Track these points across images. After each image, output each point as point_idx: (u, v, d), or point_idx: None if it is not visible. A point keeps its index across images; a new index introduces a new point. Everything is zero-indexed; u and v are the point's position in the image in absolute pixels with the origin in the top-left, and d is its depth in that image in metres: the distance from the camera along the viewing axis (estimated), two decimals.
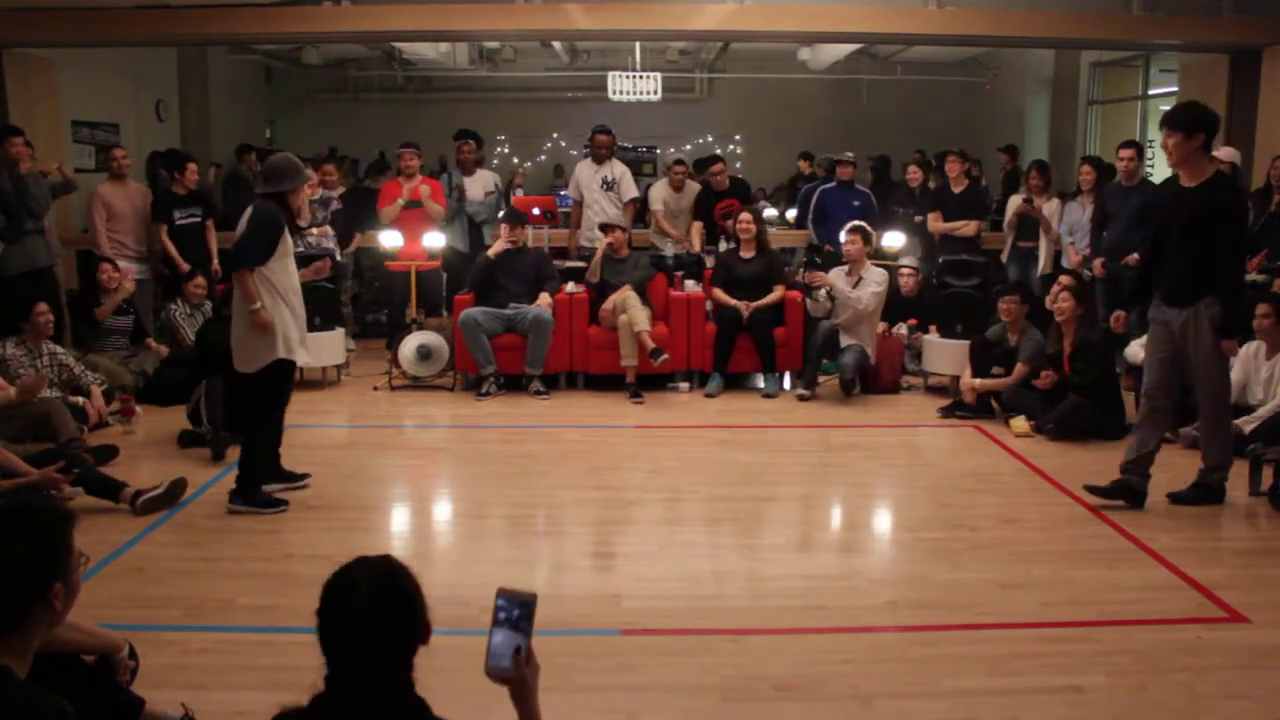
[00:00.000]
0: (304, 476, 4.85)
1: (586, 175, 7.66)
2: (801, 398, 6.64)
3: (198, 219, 7.50)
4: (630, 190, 7.68)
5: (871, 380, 6.87)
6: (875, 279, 6.69)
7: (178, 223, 7.41)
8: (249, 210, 4.54)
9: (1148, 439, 4.63)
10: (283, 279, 4.51)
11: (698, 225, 7.93)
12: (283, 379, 4.61)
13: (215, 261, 7.50)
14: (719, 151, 8.14)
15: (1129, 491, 4.61)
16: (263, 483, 4.59)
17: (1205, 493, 4.68)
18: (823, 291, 6.67)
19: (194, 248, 7.39)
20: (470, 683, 1.96)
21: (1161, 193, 4.82)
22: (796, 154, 11.98)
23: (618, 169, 7.68)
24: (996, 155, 12.04)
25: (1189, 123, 4.30)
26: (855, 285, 6.67)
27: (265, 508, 4.51)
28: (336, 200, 7.84)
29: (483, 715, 2.04)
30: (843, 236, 7.42)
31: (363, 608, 1.66)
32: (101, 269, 6.71)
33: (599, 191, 7.58)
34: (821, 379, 6.84)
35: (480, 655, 1.90)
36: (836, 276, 6.73)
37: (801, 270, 6.89)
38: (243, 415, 4.73)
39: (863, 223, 6.97)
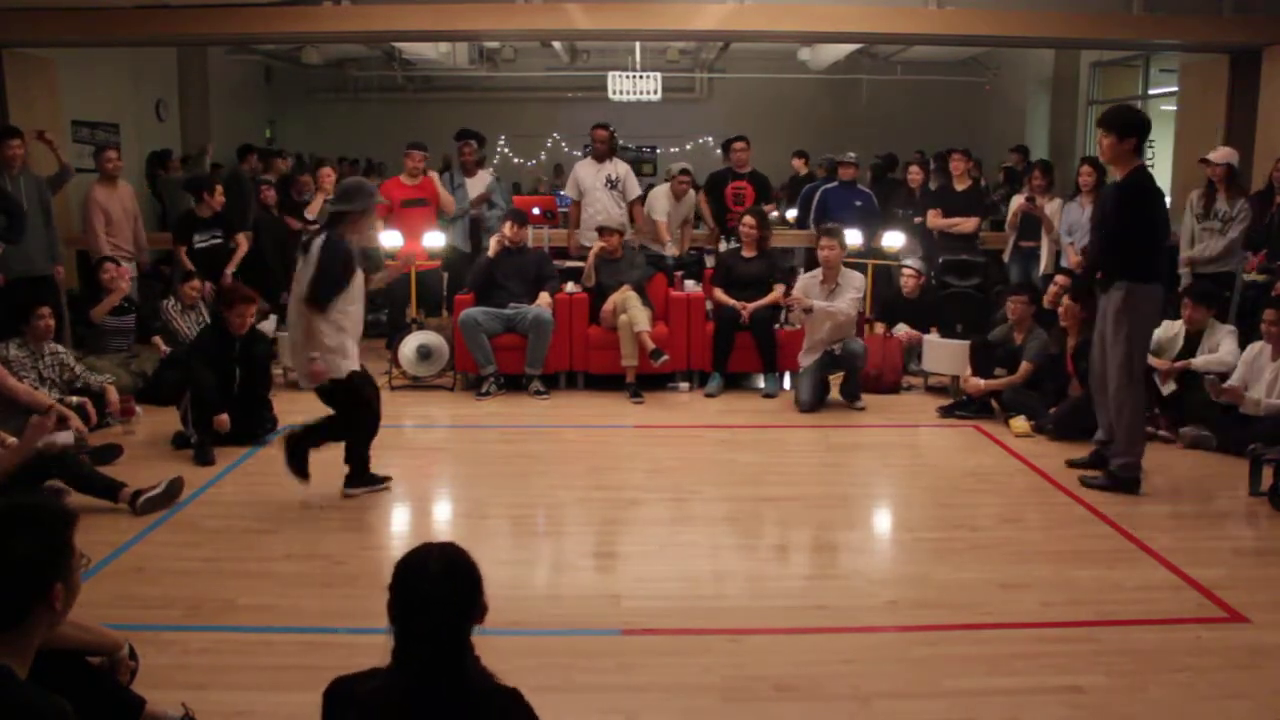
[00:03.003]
0: (385, 479, 4.89)
1: (588, 174, 7.65)
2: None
3: (219, 240, 7.51)
4: (634, 190, 7.70)
5: (872, 380, 6.85)
6: (854, 285, 6.52)
7: (197, 245, 7.41)
8: (320, 240, 4.52)
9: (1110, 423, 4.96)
10: (341, 310, 4.56)
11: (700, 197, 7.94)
12: (350, 390, 4.65)
13: (229, 270, 7.44)
14: (720, 150, 8.13)
15: (1103, 460, 4.97)
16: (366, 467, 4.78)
17: (1115, 482, 4.81)
18: (798, 311, 6.53)
19: (213, 270, 7.34)
20: None
21: (1101, 194, 5.23)
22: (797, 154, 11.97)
23: (621, 167, 7.68)
24: (997, 155, 12.04)
25: (1122, 126, 4.60)
26: (831, 293, 6.49)
27: (374, 485, 4.78)
28: None
29: None
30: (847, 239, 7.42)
31: (435, 579, 1.88)
32: (105, 269, 6.72)
33: (602, 190, 7.58)
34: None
35: (484, 655, 1.91)
36: (809, 287, 6.53)
37: (780, 292, 6.71)
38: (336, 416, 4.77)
39: (838, 226, 6.85)
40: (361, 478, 4.79)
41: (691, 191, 8.02)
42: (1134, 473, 4.80)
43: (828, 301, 6.45)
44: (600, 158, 7.63)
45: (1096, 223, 4.89)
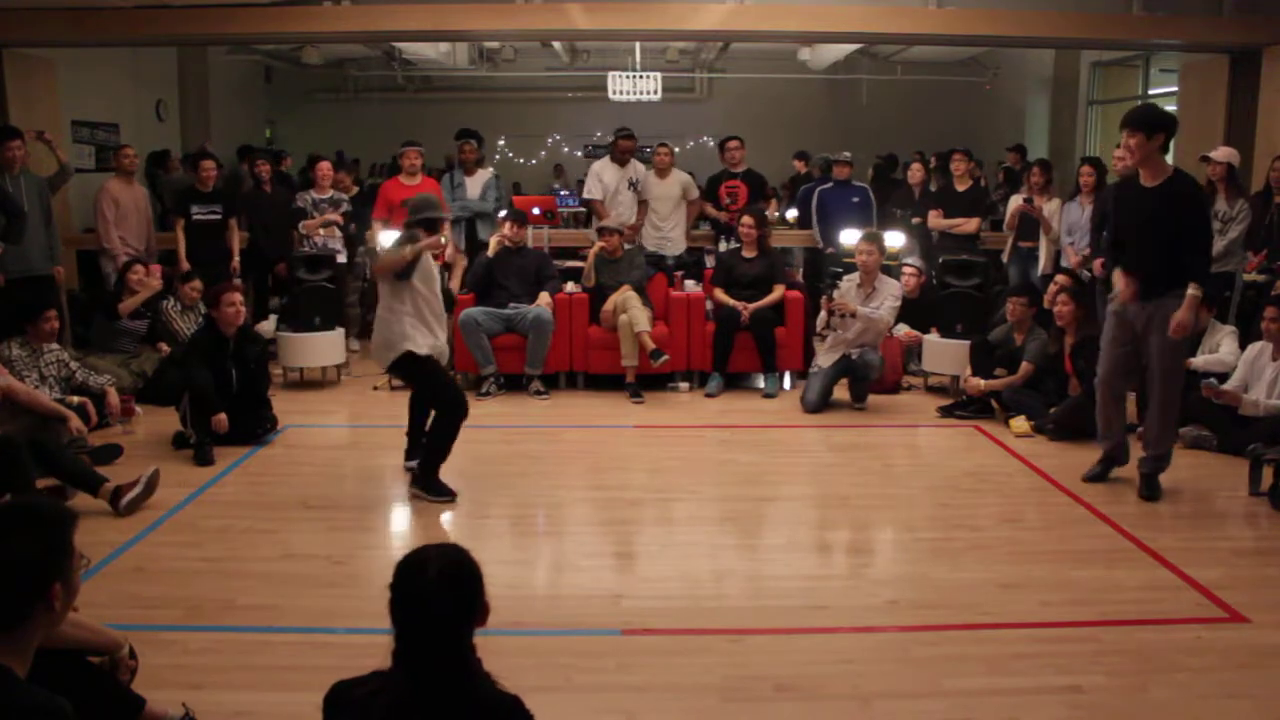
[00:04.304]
0: (451, 494, 4.80)
1: (612, 177, 7.62)
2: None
3: (218, 216, 7.57)
4: (648, 190, 7.72)
5: (872, 381, 6.83)
6: (891, 292, 6.53)
7: (194, 218, 7.51)
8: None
9: (1114, 422, 4.98)
10: (422, 295, 4.75)
11: (693, 206, 7.91)
12: (425, 370, 4.77)
13: (235, 259, 7.61)
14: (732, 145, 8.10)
15: (1113, 461, 5.02)
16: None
17: (1153, 487, 4.79)
18: (838, 316, 6.43)
19: (209, 244, 7.49)
20: None
21: (1120, 192, 4.86)
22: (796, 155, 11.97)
23: (639, 169, 7.73)
24: (997, 155, 12.04)
25: (1150, 123, 4.44)
26: (868, 298, 6.50)
27: (438, 495, 4.69)
28: (347, 203, 7.91)
29: None
30: (843, 239, 7.41)
31: (433, 580, 1.87)
32: (134, 270, 6.82)
33: (626, 192, 7.62)
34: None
35: (484, 655, 1.91)
36: (849, 291, 6.52)
37: (824, 297, 6.56)
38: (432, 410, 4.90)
39: (876, 230, 6.81)
40: (428, 482, 4.73)
41: (680, 172, 7.94)
42: (1167, 463, 4.84)
43: (862, 306, 6.43)
44: (622, 162, 7.65)
45: (1142, 228, 4.60)
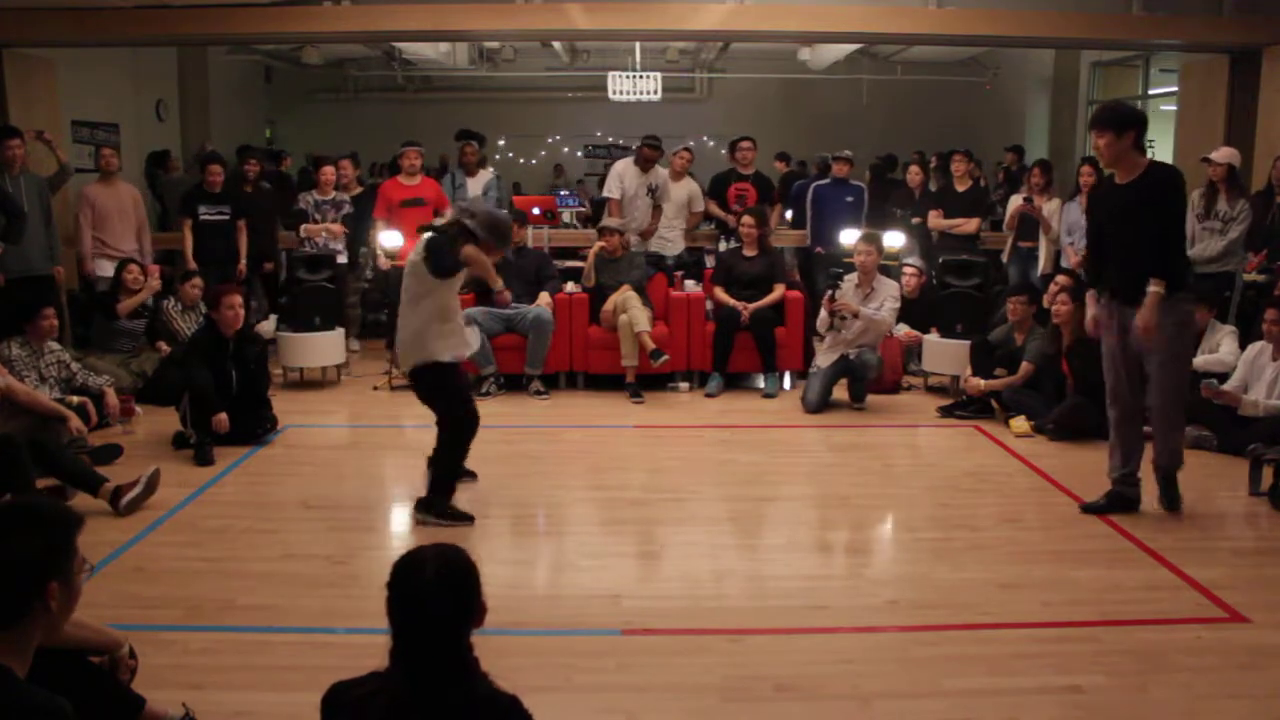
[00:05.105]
0: (471, 475, 4.80)
1: (633, 180, 7.63)
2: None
3: (225, 217, 7.58)
4: (665, 197, 7.74)
5: (872, 381, 6.83)
6: (890, 293, 6.52)
7: (202, 218, 7.51)
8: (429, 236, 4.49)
9: (1131, 446, 4.56)
10: (452, 292, 4.51)
11: (694, 216, 7.91)
12: (444, 381, 4.48)
13: (242, 262, 7.60)
14: (725, 150, 8.09)
15: (1123, 501, 4.57)
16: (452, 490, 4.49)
17: (1171, 492, 4.58)
18: (838, 318, 6.42)
19: (217, 244, 7.49)
20: None
21: (1099, 194, 4.64)
22: (797, 155, 11.97)
23: (660, 174, 7.74)
24: (996, 155, 12.05)
25: (1117, 122, 4.27)
26: (866, 298, 6.50)
27: (451, 520, 4.39)
28: (349, 204, 7.90)
29: None
30: (842, 239, 7.41)
31: (430, 580, 1.87)
32: (129, 269, 6.83)
33: (644, 198, 7.63)
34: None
35: (484, 655, 1.91)
36: (847, 292, 6.50)
37: (825, 297, 6.50)
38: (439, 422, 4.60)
39: (875, 231, 6.82)
40: (439, 506, 4.43)
41: (692, 181, 7.95)
42: (1180, 458, 4.62)
43: (861, 306, 6.42)
44: (645, 168, 7.66)
45: (1110, 228, 4.43)
